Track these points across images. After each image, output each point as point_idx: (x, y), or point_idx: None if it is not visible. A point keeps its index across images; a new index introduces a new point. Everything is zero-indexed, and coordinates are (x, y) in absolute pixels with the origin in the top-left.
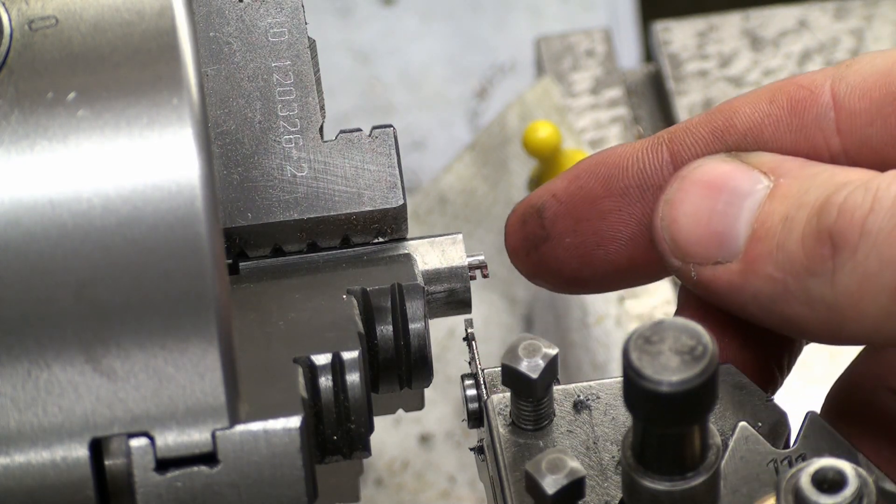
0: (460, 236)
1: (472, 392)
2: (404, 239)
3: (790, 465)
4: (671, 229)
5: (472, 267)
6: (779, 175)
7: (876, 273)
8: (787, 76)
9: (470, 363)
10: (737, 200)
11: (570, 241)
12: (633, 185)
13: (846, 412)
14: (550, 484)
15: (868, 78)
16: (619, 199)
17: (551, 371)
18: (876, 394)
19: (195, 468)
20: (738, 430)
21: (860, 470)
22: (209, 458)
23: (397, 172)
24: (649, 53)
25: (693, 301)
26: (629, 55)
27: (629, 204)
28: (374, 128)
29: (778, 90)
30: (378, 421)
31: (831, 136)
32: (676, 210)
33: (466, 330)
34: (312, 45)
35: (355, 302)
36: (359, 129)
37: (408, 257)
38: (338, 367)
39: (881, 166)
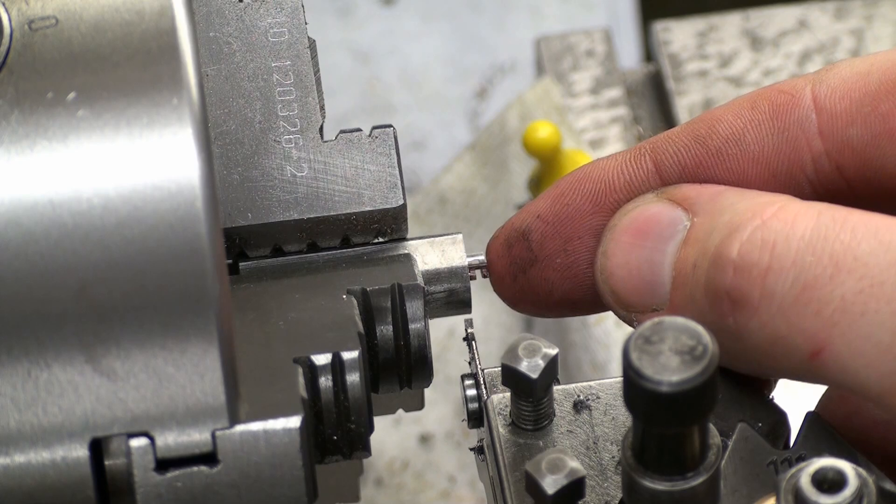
0: (460, 236)
1: (472, 392)
2: (404, 239)
3: (790, 465)
4: (609, 282)
5: (472, 267)
6: (695, 211)
7: (786, 336)
8: (788, 76)
9: (470, 363)
10: (661, 245)
11: (561, 261)
12: (623, 199)
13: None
14: (550, 484)
15: (848, 79)
16: (609, 215)
17: (551, 371)
18: (858, 408)
19: (195, 468)
20: (738, 430)
21: (860, 470)
22: (209, 458)
23: (397, 172)
24: (649, 53)
25: None
26: (629, 55)
27: None
28: (374, 128)
29: (759, 96)
30: (378, 421)
31: (813, 139)
32: (611, 262)
33: (466, 330)
34: (312, 45)
35: (355, 302)
36: (359, 129)
37: (408, 257)
38: (338, 367)
39: (863, 168)
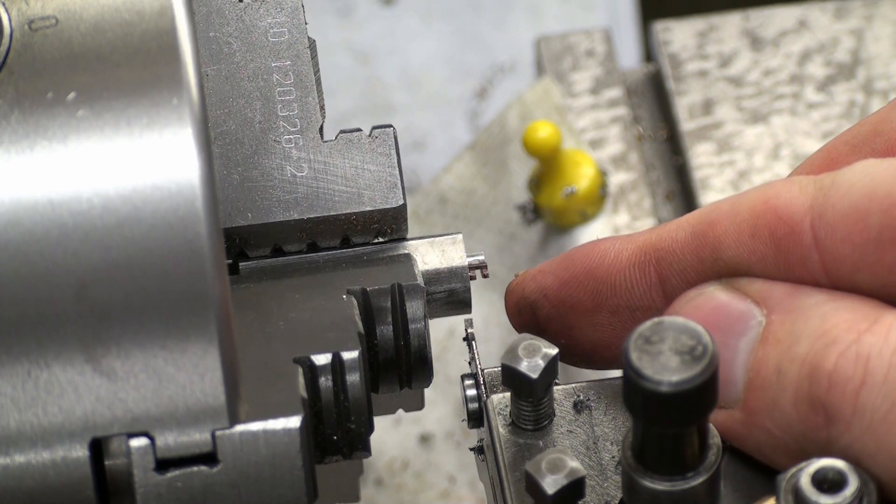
0: (460, 236)
1: (472, 392)
2: (404, 239)
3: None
4: None
5: (472, 267)
6: (770, 308)
7: (873, 454)
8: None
9: (470, 363)
10: (732, 341)
11: (566, 342)
12: (623, 304)
13: None
14: (550, 484)
15: (847, 217)
16: (609, 316)
17: (551, 371)
18: None
19: (195, 468)
20: None
21: (860, 470)
22: (209, 458)
23: (397, 172)
24: (649, 53)
25: None
26: (629, 55)
27: (621, 321)
28: (374, 128)
29: (758, 220)
30: (378, 421)
31: (820, 277)
32: None
33: (466, 330)
34: (312, 45)
35: (355, 302)
36: (359, 129)
37: (408, 257)
38: (338, 367)
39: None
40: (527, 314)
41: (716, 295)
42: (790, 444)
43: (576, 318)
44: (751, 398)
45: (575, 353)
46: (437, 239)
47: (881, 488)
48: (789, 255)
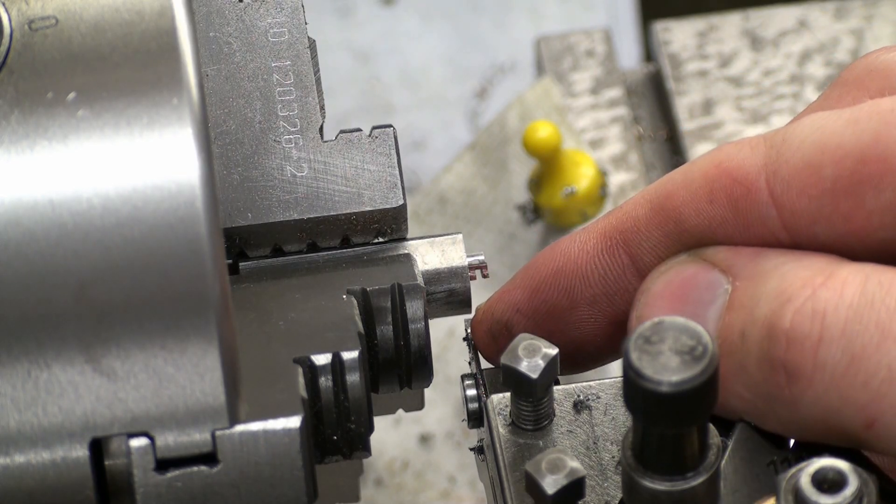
0: (460, 236)
1: (472, 392)
2: (404, 239)
3: (790, 465)
4: None
5: (472, 267)
6: (734, 275)
7: (838, 409)
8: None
9: (470, 363)
10: (701, 311)
11: None
12: (600, 293)
13: None
14: (550, 484)
15: (801, 171)
16: (588, 309)
17: (551, 371)
18: None
19: (195, 468)
20: (737, 430)
21: (860, 470)
22: (209, 458)
23: (397, 172)
24: (649, 53)
25: None
26: (629, 55)
27: (600, 310)
28: (374, 128)
29: (714, 184)
30: (378, 421)
31: (780, 233)
32: None
33: (466, 330)
34: (312, 45)
35: (355, 302)
36: (359, 129)
37: (408, 257)
38: (338, 367)
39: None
40: (502, 336)
41: (684, 267)
42: (760, 405)
43: (555, 322)
44: (721, 365)
45: (563, 360)
46: (437, 239)
47: (851, 441)
48: (748, 216)
